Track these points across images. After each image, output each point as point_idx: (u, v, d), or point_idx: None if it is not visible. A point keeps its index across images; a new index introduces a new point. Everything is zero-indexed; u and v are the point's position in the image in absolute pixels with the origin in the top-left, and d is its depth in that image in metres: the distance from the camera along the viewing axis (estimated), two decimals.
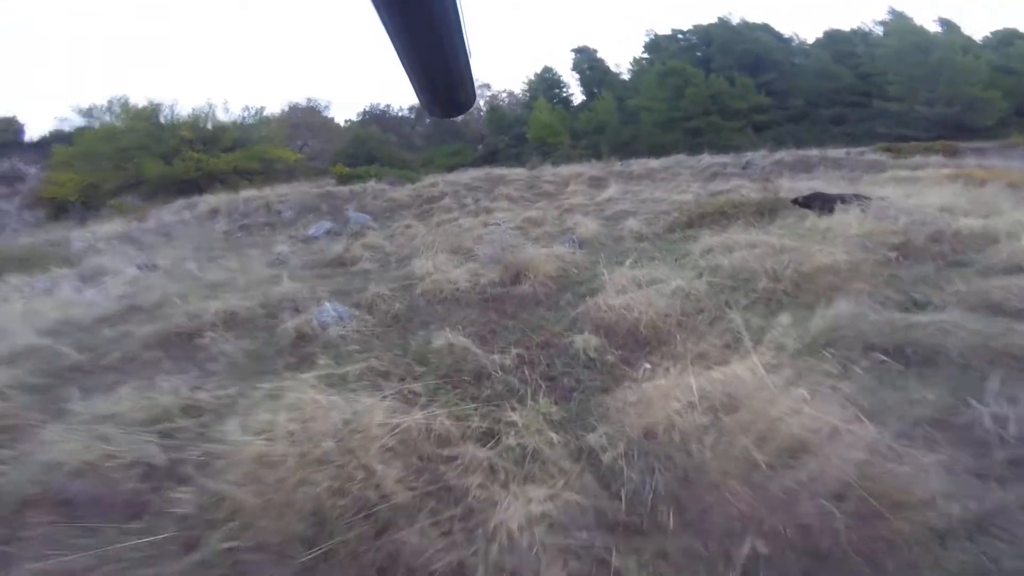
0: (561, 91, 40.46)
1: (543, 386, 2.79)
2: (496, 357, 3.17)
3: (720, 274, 4.14)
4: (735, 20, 35.58)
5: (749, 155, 22.29)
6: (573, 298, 4.44)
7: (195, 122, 26.07)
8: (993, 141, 23.47)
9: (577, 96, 40.31)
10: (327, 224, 13.55)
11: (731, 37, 33.81)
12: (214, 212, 18.98)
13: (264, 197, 19.50)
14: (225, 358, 4.12)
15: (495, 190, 16.38)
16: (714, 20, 36.11)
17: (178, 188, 22.55)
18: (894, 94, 28.44)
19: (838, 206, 6.12)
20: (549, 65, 41.86)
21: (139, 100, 26.11)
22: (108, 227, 17.53)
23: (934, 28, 31.67)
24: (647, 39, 38.33)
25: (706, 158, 23.61)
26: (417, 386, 2.85)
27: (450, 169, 26.03)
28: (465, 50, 0.57)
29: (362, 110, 42.23)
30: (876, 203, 6.36)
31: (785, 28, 37.20)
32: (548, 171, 22.84)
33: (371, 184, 20.41)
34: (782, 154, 21.93)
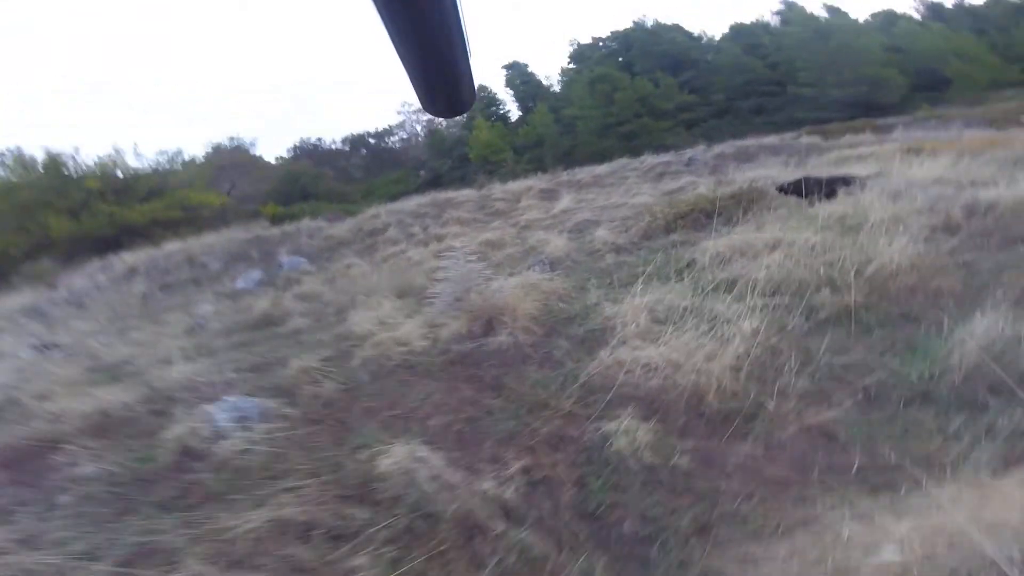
0: (498, 108, 40.34)
1: (586, 541, 1.63)
2: (489, 485, 1.98)
3: (761, 290, 3.12)
4: (649, 23, 36.65)
5: (689, 151, 22.33)
6: (572, 347, 3.34)
7: (103, 171, 23.40)
8: (904, 116, 24.62)
9: (514, 112, 40.39)
10: (257, 274, 11.92)
11: (648, 40, 34.68)
12: (132, 271, 16.92)
13: (188, 249, 17.57)
14: (79, 488, 2.76)
15: (444, 214, 15.21)
16: (630, 25, 37.11)
17: (94, 247, 20.01)
18: (805, 80, 29.63)
19: (841, 190, 5.36)
20: (483, 84, 41.72)
21: (34, 150, 23.47)
22: (15, 299, 15.12)
23: (822, 15, 33.70)
24: (571, 48, 38.76)
25: (649, 159, 23.46)
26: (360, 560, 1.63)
27: (393, 198, 24.75)
28: (465, 50, 0.52)
29: (292, 145, 40.55)
30: (874, 183, 5.67)
31: (693, 27, 38.53)
32: (497, 189, 21.94)
33: (306, 222, 18.81)
34: (722, 147, 22.05)
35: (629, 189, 16.20)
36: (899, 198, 4.69)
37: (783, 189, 6.23)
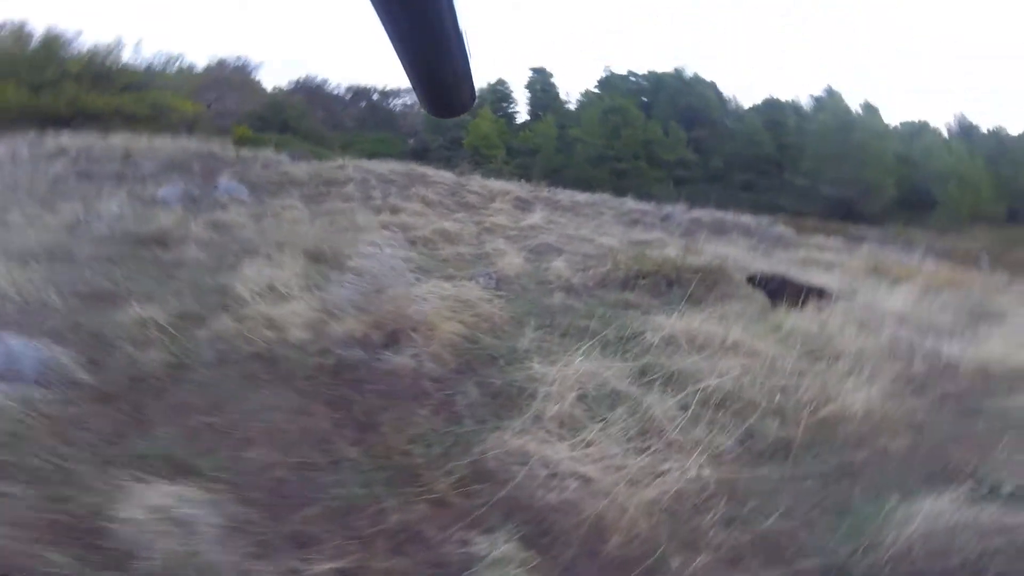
0: (508, 106, 39.91)
1: None
2: None
3: (708, 400, 2.61)
4: (689, 73, 37.01)
5: (669, 208, 22.47)
6: (481, 399, 2.71)
7: (91, 58, 22.03)
8: (876, 228, 25.73)
9: (522, 115, 40.14)
10: (179, 188, 10.59)
11: (680, 88, 34.88)
12: (59, 153, 15.13)
13: (130, 146, 15.97)
14: None
15: (412, 188, 14.30)
16: (670, 70, 37.36)
17: (43, 124, 18.23)
18: (803, 170, 30.52)
19: (813, 301, 5.04)
20: (504, 78, 41.35)
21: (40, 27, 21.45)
22: None
23: (857, 110, 34.81)
24: (603, 74, 38.70)
25: (629, 202, 23.51)
26: None
27: (371, 156, 23.54)
28: (465, 50, 0.52)
29: (295, 79, 38.79)
30: (843, 302, 5.41)
31: (728, 88, 39.28)
32: (476, 181, 21.20)
33: (267, 153, 17.44)
34: (700, 212, 22.22)
35: (601, 226, 15.89)
36: (865, 329, 4.38)
37: (753, 281, 5.89)
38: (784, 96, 37.78)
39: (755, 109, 36.16)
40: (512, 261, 6.73)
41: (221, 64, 31.70)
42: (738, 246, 14.67)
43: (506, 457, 2.07)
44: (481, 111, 34.85)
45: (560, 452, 2.03)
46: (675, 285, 6.14)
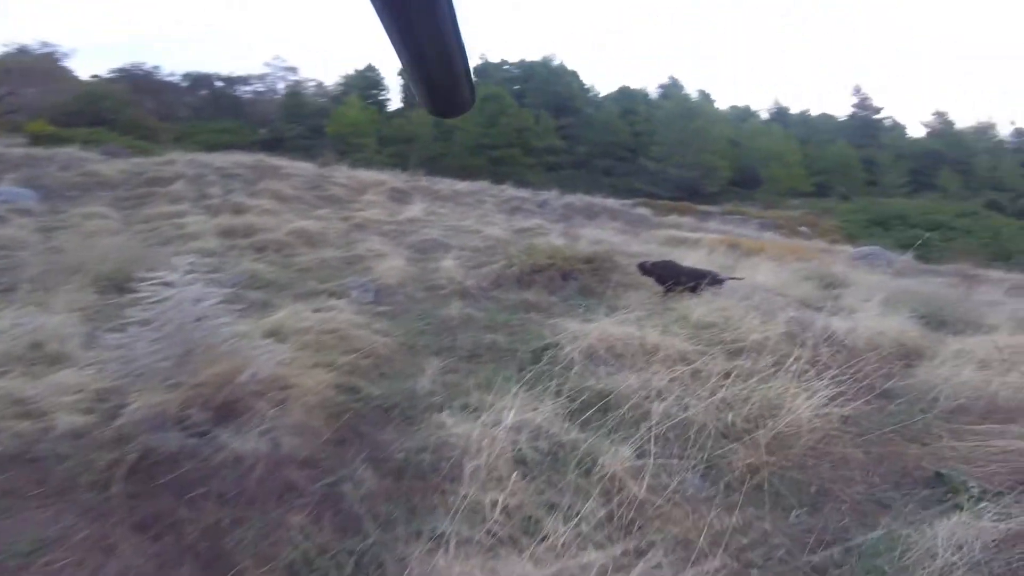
0: (379, 93, 37.82)
1: None
2: None
3: (660, 434, 2.13)
4: (556, 62, 38.10)
5: (544, 194, 22.89)
6: (378, 487, 1.98)
7: None
8: (715, 206, 28.97)
9: (395, 103, 38.29)
10: None
11: (548, 77, 35.86)
12: None
13: None
14: None
15: (261, 183, 12.37)
16: (539, 58, 38.10)
17: None
18: (655, 155, 33.24)
19: (706, 288, 4.99)
20: (374, 64, 38.90)
21: None
22: None
23: (695, 97, 38.62)
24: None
25: (509, 190, 23.47)
26: None
27: (211, 149, 20.31)
28: (463, 50, 0.52)
29: (118, 67, 32.81)
30: (727, 285, 5.49)
31: (588, 78, 41.41)
32: (343, 172, 19.35)
33: (69, 150, 14.11)
34: (572, 198, 22.84)
35: (484, 215, 15.43)
36: (759, 312, 4.38)
37: (644, 269, 5.77)
38: (635, 84, 41.12)
39: (610, 98, 38.65)
40: (393, 264, 5.83)
41: (22, 50, 28.05)
42: (609, 229, 15.26)
43: None
44: (348, 98, 32.57)
45: (520, 572, 1.38)
46: (569, 278, 5.83)
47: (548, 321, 3.88)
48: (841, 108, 52.14)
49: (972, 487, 2.11)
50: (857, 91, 43.43)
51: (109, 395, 2.15)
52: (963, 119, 45.27)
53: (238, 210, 8.64)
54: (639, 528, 1.72)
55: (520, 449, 2.02)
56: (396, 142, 31.42)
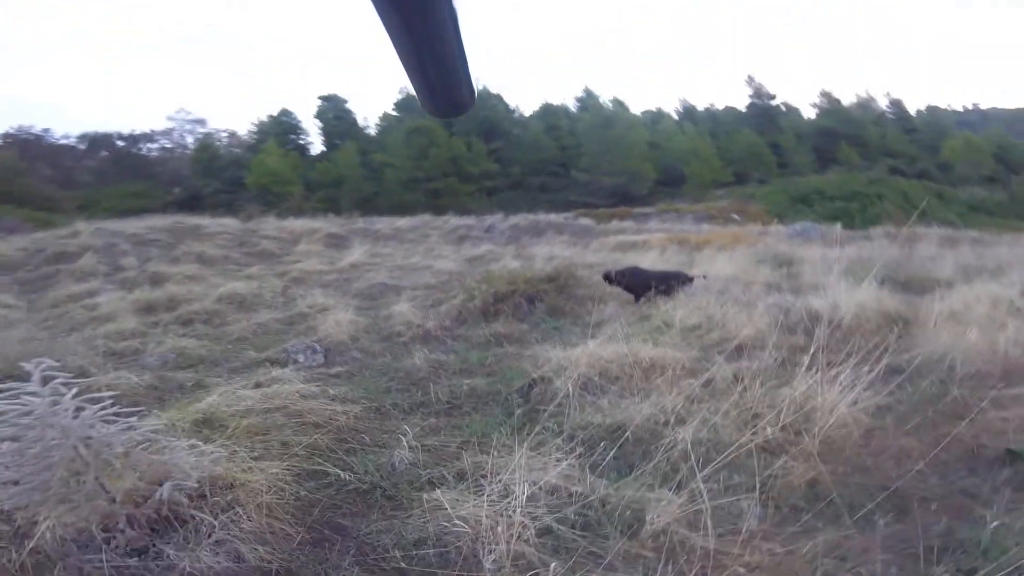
0: (298, 137, 36.69)
1: None
2: None
3: (689, 457, 1.76)
4: (480, 87, 38.57)
5: (489, 219, 22.74)
6: None
7: None
8: (649, 207, 29.90)
9: (317, 146, 37.29)
10: None
11: (477, 103, 36.24)
12: None
13: None
14: None
15: (181, 246, 11.37)
16: None
17: None
18: (584, 166, 34.08)
19: (678, 289, 4.79)
20: (288, 108, 37.79)
21: None
22: None
23: (609, 106, 40.06)
24: (400, 96, 38.03)
25: (452, 220, 23.13)
26: None
27: (125, 215, 18.74)
28: (463, 50, 0.53)
29: (1, 132, 30.02)
30: (696, 281, 5.33)
31: (512, 99, 42.42)
32: (271, 224, 18.33)
33: None
34: (516, 219, 22.81)
35: (431, 249, 14.98)
36: (738, 305, 4.19)
37: (609, 279, 5.53)
38: (556, 100, 42.37)
39: (535, 116, 39.59)
40: (340, 318, 5.20)
41: None
42: (558, 243, 15.16)
43: None
44: (265, 146, 31.35)
45: None
46: (535, 301, 5.50)
47: (526, 352, 3.49)
48: (740, 99, 55.92)
49: None
50: (751, 81, 46.71)
51: (9, 519, 1.57)
52: (846, 96, 49.49)
53: (157, 280, 7.74)
54: None
55: (543, 522, 1.59)
56: (324, 186, 30.44)
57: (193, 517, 1.68)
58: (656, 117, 43.30)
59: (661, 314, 4.23)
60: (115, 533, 1.61)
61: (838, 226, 15.92)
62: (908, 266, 6.69)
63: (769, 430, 1.97)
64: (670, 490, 1.73)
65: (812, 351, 2.38)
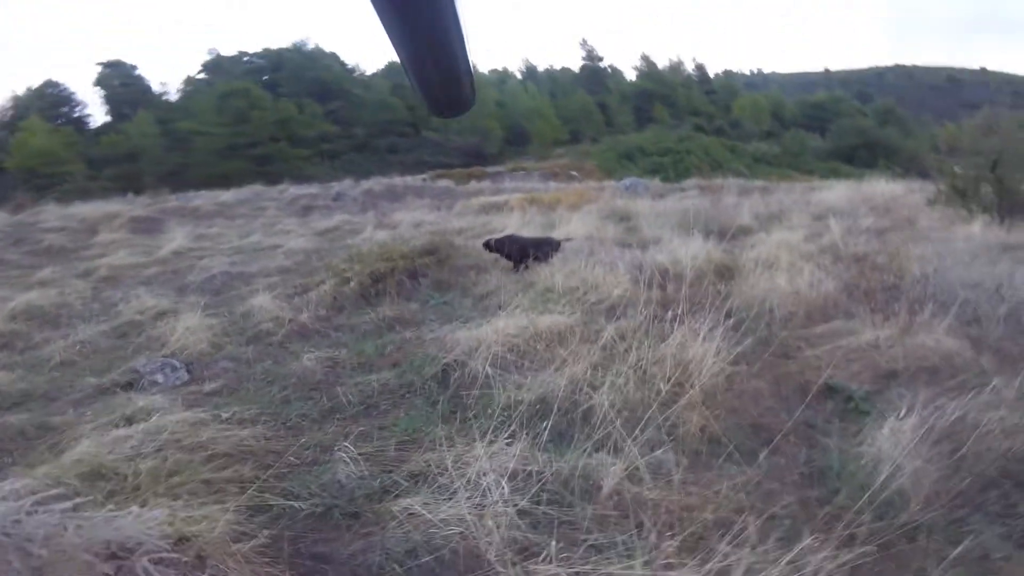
0: (72, 110, 29.71)
1: None
2: None
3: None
4: (310, 46, 34.62)
5: (336, 185, 21.09)
6: None
7: None
8: (499, 166, 30.73)
9: (99, 118, 30.59)
10: None
11: (302, 63, 32.62)
12: None
13: None
14: None
15: None
16: (287, 45, 34.19)
17: None
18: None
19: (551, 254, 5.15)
20: (55, 79, 30.25)
21: None
22: None
23: None
24: (209, 58, 32.50)
25: (291, 189, 20.89)
26: None
27: None
28: (465, 50, 0.53)
29: None
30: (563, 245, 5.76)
31: (350, 58, 39.38)
32: (53, 214, 14.65)
33: None
34: (370, 183, 21.43)
35: (272, 224, 13.48)
36: (601, 264, 4.68)
37: (490, 247, 5.69)
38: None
39: (379, 75, 37.17)
40: (188, 323, 4.46)
41: None
42: (420, 208, 14.66)
43: None
44: (27, 122, 24.77)
45: None
46: (418, 276, 5.43)
47: (428, 336, 3.48)
48: (575, 61, 59.35)
49: (855, 391, 2.58)
50: (584, 44, 49.82)
51: None
52: (661, 60, 55.77)
53: None
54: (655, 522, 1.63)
55: (519, 506, 1.71)
56: (113, 162, 25.20)
57: None
58: (502, 77, 43.96)
59: (543, 280, 4.53)
60: None
61: (656, 180, 18.24)
62: (717, 216, 8.05)
63: (662, 387, 2.34)
64: (608, 454, 1.98)
65: (672, 308, 2.82)
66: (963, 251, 5.06)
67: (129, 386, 3.33)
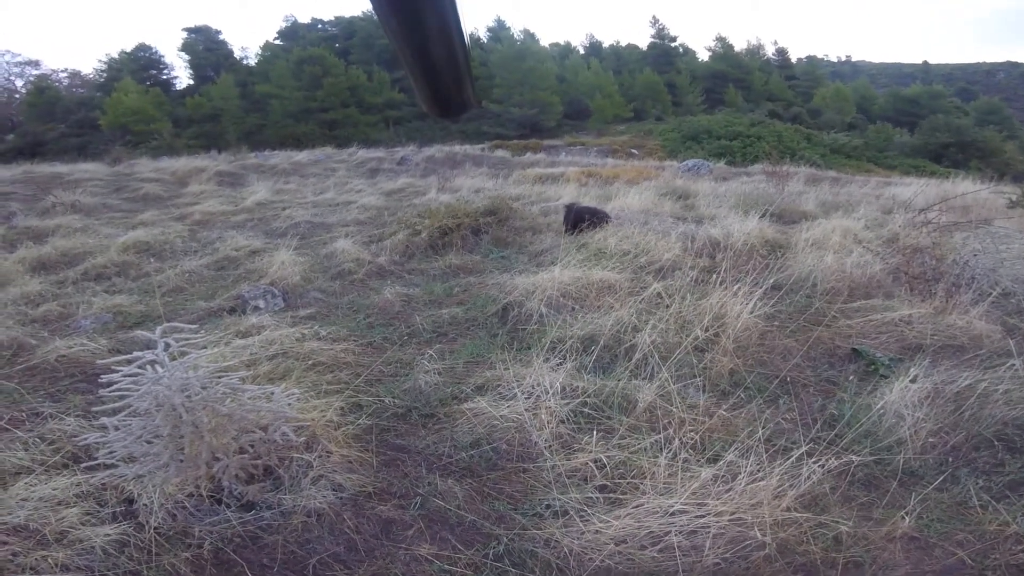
0: (160, 73, 32.09)
1: None
2: None
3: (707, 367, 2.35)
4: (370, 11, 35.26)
5: (400, 151, 21.81)
6: None
7: None
8: (557, 140, 30.49)
9: (184, 80, 33.01)
10: None
11: (374, 31, 33.37)
12: None
13: None
14: None
15: (47, 198, 9.90)
16: (358, 13, 35.26)
17: None
18: (496, 97, 33.57)
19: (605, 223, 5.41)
20: (147, 42, 32.74)
21: None
22: None
23: (521, 37, 39.18)
24: (284, 24, 34.07)
25: (361, 152, 21.84)
26: None
27: None
28: (465, 50, 0.53)
29: None
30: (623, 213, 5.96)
31: None
32: (145, 166, 16.19)
33: None
34: (432, 150, 22.04)
35: (342, 184, 14.27)
36: (655, 232, 4.90)
37: (570, 212, 6.02)
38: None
39: None
40: (281, 259, 5.15)
41: None
42: (479, 176, 15.04)
43: None
44: (120, 83, 27.08)
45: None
46: (480, 233, 5.84)
47: (489, 281, 3.89)
48: (643, 38, 57.16)
49: (880, 357, 2.75)
50: (655, 22, 47.78)
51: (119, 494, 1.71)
52: (738, 42, 52.76)
53: (38, 235, 6.83)
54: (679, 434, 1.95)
55: (565, 412, 2.10)
56: (196, 122, 27.10)
57: (283, 461, 1.90)
58: (564, 51, 43.13)
59: (595, 243, 4.81)
60: (222, 492, 1.77)
61: (722, 163, 17.70)
62: (781, 200, 7.93)
63: (699, 333, 2.62)
64: (644, 381, 2.31)
65: (718, 271, 3.06)
66: (1019, 252, 4.91)
67: (233, 311, 3.93)
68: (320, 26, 35.76)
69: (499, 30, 40.26)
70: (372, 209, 8.66)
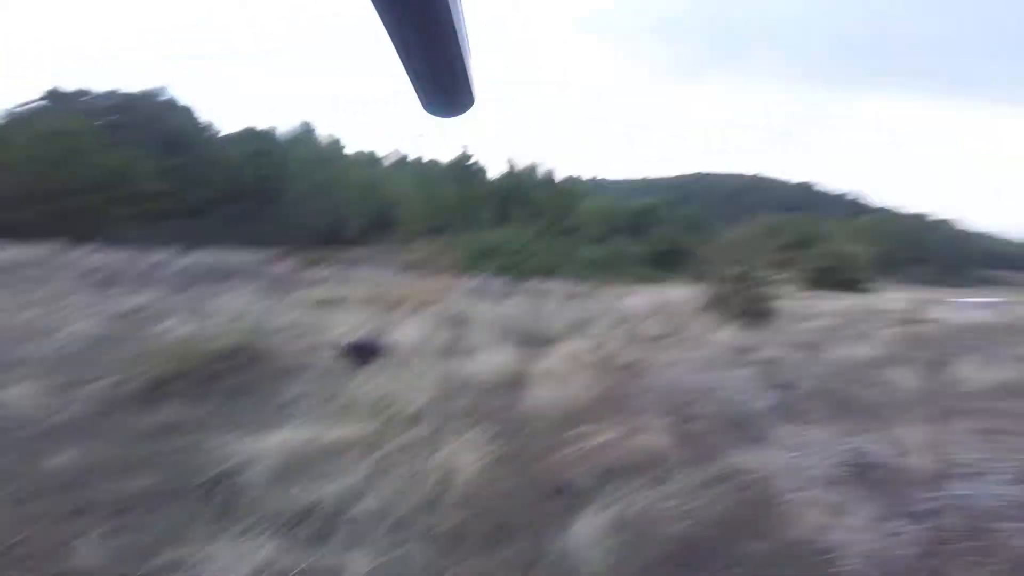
0: None
1: None
2: None
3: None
4: (165, 96, 32.34)
5: (155, 256, 18.58)
6: None
7: None
8: (360, 249, 30.20)
9: None
10: None
11: (151, 111, 29.87)
12: None
13: None
14: None
15: None
16: (139, 90, 31.40)
17: None
18: (288, 200, 32.15)
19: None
20: None
21: None
22: None
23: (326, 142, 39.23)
24: (45, 91, 28.26)
25: (97, 254, 17.96)
26: None
27: None
28: (466, 50, 0.52)
29: None
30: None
31: (211, 115, 37.47)
32: None
33: None
34: (193, 258, 18.95)
35: (59, 298, 11.05)
36: (413, 373, 5.11)
37: (348, 351, 5.77)
38: (261, 124, 39.13)
39: (235, 138, 35.40)
40: None
41: None
42: (248, 293, 13.02)
43: None
44: None
45: None
46: (216, 380, 5.08)
47: (211, 443, 3.42)
48: (445, 155, 63.16)
49: (582, 486, 3.17)
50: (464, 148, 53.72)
51: None
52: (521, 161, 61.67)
53: None
54: None
55: None
56: None
57: None
58: (370, 159, 44.89)
59: (354, 386, 4.73)
60: None
61: (502, 281, 19.94)
62: (535, 324, 9.18)
63: (428, 489, 2.72)
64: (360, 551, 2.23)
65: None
66: (701, 358, 6.62)
67: None
68: (83, 98, 30.82)
69: (303, 133, 40.30)
70: (84, 340, 6.93)
